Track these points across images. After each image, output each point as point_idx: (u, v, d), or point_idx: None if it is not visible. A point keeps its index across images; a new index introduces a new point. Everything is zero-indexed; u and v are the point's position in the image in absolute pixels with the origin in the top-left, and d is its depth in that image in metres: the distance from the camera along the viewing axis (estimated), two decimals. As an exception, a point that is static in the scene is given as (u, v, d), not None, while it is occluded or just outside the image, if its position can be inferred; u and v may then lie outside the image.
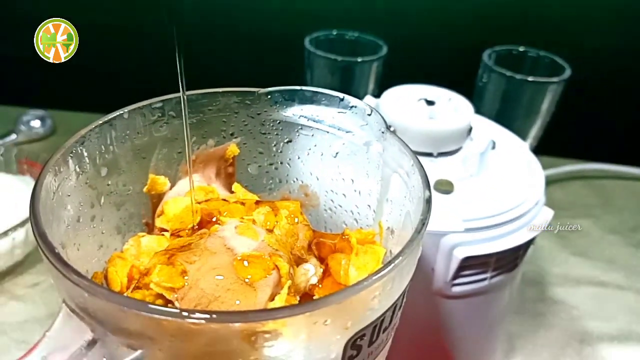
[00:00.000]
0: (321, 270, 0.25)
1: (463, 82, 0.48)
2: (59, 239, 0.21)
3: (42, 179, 0.21)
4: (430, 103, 0.40)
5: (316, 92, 0.27)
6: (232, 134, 0.28)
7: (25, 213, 0.47)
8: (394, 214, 0.25)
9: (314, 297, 0.24)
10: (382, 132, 0.25)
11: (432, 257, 0.34)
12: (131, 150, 0.26)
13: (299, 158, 0.29)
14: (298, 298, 0.23)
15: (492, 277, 0.36)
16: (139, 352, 0.17)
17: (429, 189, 0.22)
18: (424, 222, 0.20)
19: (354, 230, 0.27)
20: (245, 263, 0.22)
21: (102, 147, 0.24)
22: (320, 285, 0.25)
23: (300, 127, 0.28)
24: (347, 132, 0.27)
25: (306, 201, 0.30)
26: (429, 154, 0.39)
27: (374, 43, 0.58)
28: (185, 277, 0.21)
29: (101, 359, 0.17)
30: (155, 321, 0.16)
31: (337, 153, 0.28)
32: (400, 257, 0.18)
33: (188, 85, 0.26)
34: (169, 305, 0.21)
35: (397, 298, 0.20)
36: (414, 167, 0.23)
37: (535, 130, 0.55)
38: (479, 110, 0.43)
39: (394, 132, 0.25)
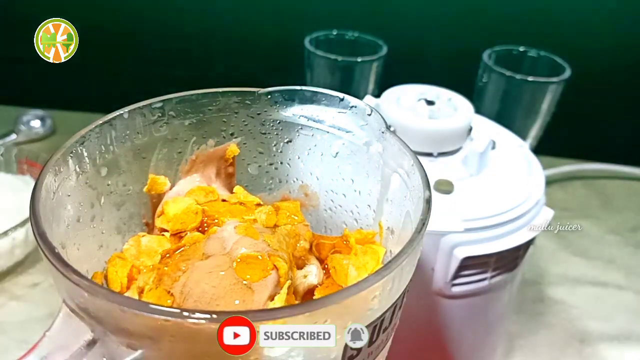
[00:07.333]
0: (323, 272, 0.25)
1: (463, 82, 0.48)
2: (59, 239, 0.21)
3: (42, 179, 0.21)
4: (430, 103, 0.40)
5: (316, 92, 0.27)
6: (232, 134, 0.28)
7: (25, 213, 0.47)
8: (394, 214, 0.25)
9: (314, 297, 0.24)
10: (382, 132, 0.25)
11: (432, 257, 0.34)
12: (131, 150, 0.26)
13: (299, 158, 0.29)
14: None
15: (492, 277, 0.36)
16: (139, 352, 0.17)
17: (429, 189, 0.22)
18: (424, 222, 0.20)
19: (354, 230, 0.27)
20: (244, 264, 0.22)
21: (102, 147, 0.24)
22: (320, 286, 0.25)
23: (300, 127, 0.28)
24: (347, 132, 0.27)
25: (306, 201, 0.30)
26: (429, 154, 0.39)
27: (374, 43, 0.58)
28: (169, 301, 0.21)
29: (101, 359, 0.17)
30: (155, 321, 0.16)
31: (337, 153, 0.28)
32: (400, 257, 0.18)
33: (188, 85, 0.26)
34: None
35: (397, 298, 0.20)
36: (414, 167, 0.23)
37: (535, 130, 0.55)
38: (479, 110, 0.43)
39: (394, 132, 0.25)
